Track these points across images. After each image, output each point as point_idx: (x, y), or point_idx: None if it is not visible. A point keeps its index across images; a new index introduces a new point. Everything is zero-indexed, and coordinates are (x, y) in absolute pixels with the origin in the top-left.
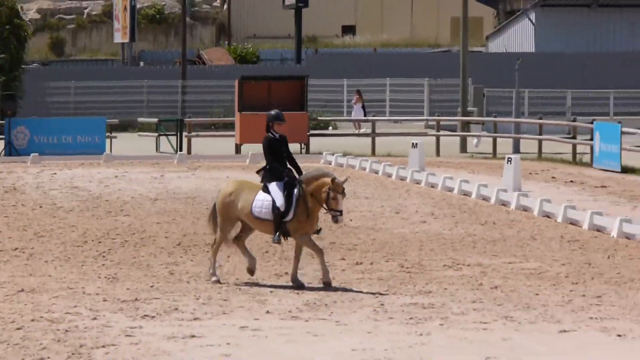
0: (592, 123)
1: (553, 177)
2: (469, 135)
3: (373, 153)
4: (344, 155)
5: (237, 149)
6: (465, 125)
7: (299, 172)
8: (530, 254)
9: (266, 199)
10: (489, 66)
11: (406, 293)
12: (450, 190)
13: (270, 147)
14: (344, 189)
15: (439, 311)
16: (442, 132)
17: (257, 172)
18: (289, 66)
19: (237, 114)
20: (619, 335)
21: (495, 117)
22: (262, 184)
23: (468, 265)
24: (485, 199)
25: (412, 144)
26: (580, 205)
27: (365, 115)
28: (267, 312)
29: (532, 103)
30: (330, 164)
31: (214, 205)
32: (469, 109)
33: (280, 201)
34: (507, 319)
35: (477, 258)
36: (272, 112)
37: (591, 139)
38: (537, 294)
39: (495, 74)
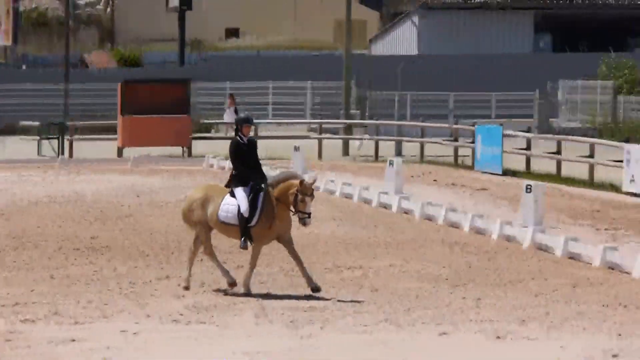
0: (473, 126)
1: (435, 180)
2: (351, 138)
3: None
4: (226, 158)
5: (120, 152)
6: (348, 128)
7: (264, 178)
8: (411, 256)
9: (232, 203)
10: (372, 69)
11: (287, 296)
12: (332, 193)
13: (237, 151)
14: (312, 190)
15: (320, 314)
16: (324, 135)
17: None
18: (172, 69)
19: (119, 117)
20: (498, 337)
21: (377, 119)
22: (228, 188)
23: (349, 268)
24: (367, 201)
25: (295, 147)
26: (462, 207)
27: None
28: (148, 315)
29: (414, 105)
30: (213, 167)
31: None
32: (352, 111)
33: (244, 206)
34: (388, 321)
35: (358, 261)
36: (242, 115)
37: (473, 142)
38: (417, 297)
39: (379, 77)
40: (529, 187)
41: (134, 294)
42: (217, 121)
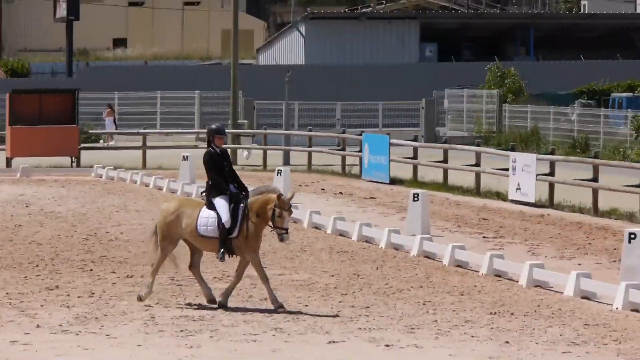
0: (361, 135)
1: (322, 189)
2: (239, 148)
3: (144, 166)
4: (115, 168)
5: (8, 163)
6: (236, 138)
7: (243, 188)
8: (300, 265)
9: (211, 216)
10: (259, 78)
11: (177, 306)
12: None
13: (212, 161)
14: (290, 206)
15: (209, 323)
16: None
17: (202, 192)
18: (60, 79)
19: (7, 127)
20: (387, 345)
21: (265, 129)
22: (205, 201)
23: None
24: None
25: (183, 156)
26: (350, 216)
27: (116, 129)
28: (38, 326)
29: (302, 115)
30: (102, 177)
31: (155, 225)
32: (240, 121)
33: (225, 217)
34: (277, 330)
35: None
36: (213, 126)
37: (360, 151)
38: (307, 305)
39: (266, 86)
40: (415, 195)
41: (24, 305)
42: (105, 131)
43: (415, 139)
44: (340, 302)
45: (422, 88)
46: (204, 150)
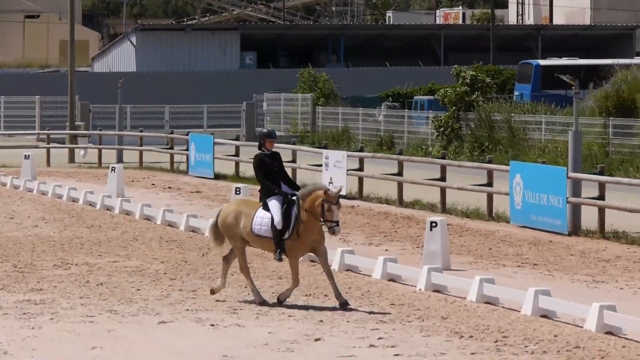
0: (187, 135)
1: (153, 184)
2: (76, 147)
3: None
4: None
5: None
6: (74, 138)
7: (295, 188)
8: (132, 253)
9: (265, 216)
10: (94, 85)
11: (19, 291)
12: (60, 197)
13: (261, 164)
14: (338, 199)
15: (49, 307)
16: (52, 145)
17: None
18: None
19: None
20: (212, 325)
21: (100, 130)
22: (261, 202)
23: (76, 265)
24: (92, 204)
25: (25, 155)
26: (178, 208)
27: None
28: None
29: (133, 117)
30: None
31: (215, 222)
32: (77, 123)
33: (277, 218)
34: (112, 312)
35: (84, 258)
36: (265, 130)
37: (187, 149)
38: (139, 290)
39: (101, 92)
40: (238, 189)
41: None
42: None
43: (237, 138)
44: (169, 286)
45: (243, 92)
46: (44, 150)
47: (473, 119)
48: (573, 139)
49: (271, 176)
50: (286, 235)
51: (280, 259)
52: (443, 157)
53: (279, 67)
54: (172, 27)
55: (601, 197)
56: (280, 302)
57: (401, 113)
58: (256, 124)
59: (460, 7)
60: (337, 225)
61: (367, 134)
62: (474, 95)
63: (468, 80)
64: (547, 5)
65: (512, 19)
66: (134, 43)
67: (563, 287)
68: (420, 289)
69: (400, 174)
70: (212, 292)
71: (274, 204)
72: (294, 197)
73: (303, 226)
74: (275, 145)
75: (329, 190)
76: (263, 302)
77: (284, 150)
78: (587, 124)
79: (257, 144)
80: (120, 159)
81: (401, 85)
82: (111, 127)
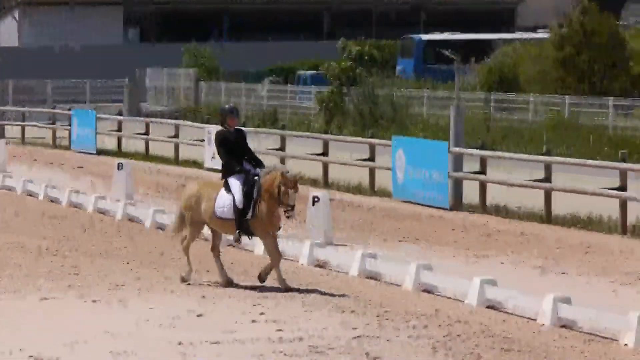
0: (70, 110)
1: (35, 160)
2: None
3: None
4: None
5: None
6: None
7: (261, 166)
8: (14, 229)
9: (228, 198)
10: None
11: None
12: None
13: (224, 141)
14: (295, 183)
15: None
16: None
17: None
18: None
19: None
20: (94, 301)
21: None
22: (223, 182)
23: None
24: None
25: None
26: (61, 184)
27: None
28: None
29: (16, 92)
30: None
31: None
32: None
33: (238, 197)
34: None
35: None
36: (226, 106)
37: (69, 125)
38: (21, 266)
39: None
40: (120, 164)
41: None
42: None
43: (119, 114)
44: (51, 262)
45: (126, 68)
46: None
47: (356, 94)
48: (455, 113)
49: (234, 154)
50: (248, 215)
51: (239, 240)
52: (326, 132)
53: (162, 42)
54: (56, 1)
55: (482, 171)
56: (261, 280)
57: (284, 88)
58: (139, 99)
59: None
60: (292, 209)
61: (250, 109)
62: (359, 70)
63: (353, 55)
64: None
65: None
66: (16, 18)
67: (445, 261)
68: (302, 264)
69: (282, 148)
70: (228, 284)
71: (234, 182)
72: (256, 176)
73: (264, 205)
74: (158, 120)
75: (286, 173)
76: (183, 279)
77: (166, 126)
78: (469, 98)
79: (138, 118)
80: (2, 134)
81: (287, 60)
82: None
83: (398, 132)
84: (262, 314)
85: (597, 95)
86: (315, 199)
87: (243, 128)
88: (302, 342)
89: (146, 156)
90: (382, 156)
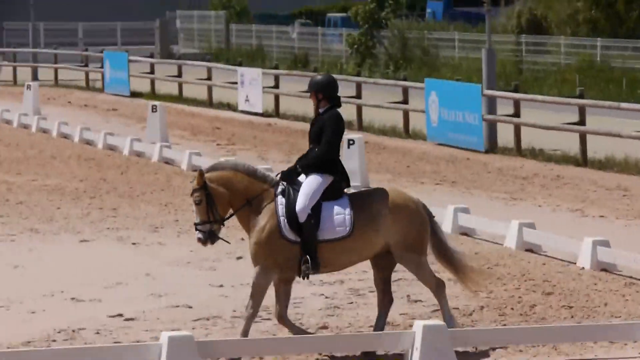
0: (102, 52)
1: (69, 102)
2: None
3: None
4: None
5: None
6: None
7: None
8: (51, 171)
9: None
10: (6, 1)
11: None
12: None
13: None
14: (192, 192)
15: None
16: None
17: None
18: None
19: None
20: (134, 244)
21: (14, 47)
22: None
23: None
24: (9, 122)
25: None
26: (94, 127)
27: None
28: None
29: (47, 35)
30: None
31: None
32: None
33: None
34: (33, 231)
35: (2, 176)
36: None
37: (102, 67)
38: (59, 208)
39: (12, 9)
40: (154, 107)
41: None
42: None
43: (151, 56)
44: (89, 204)
45: (154, 9)
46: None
47: (386, 37)
48: (486, 56)
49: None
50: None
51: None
52: (358, 75)
53: None
54: None
55: (516, 114)
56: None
57: (315, 31)
58: (170, 41)
59: None
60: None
61: (281, 51)
62: (384, 13)
63: None
64: None
65: None
66: None
67: (482, 204)
68: None
69: None
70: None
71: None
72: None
73: None
74: (190, 62)
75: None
76: None
77: (198, 68)
78: (500, 41)
79: (170, 60)
80: (35, 77)
81: (316, 3)
82: (24, 44)
83: (429, 75)
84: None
85: (629, 38)
86: (350, 142)
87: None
88: (343, 285)
89: (179, 98)
90: (415, 99)
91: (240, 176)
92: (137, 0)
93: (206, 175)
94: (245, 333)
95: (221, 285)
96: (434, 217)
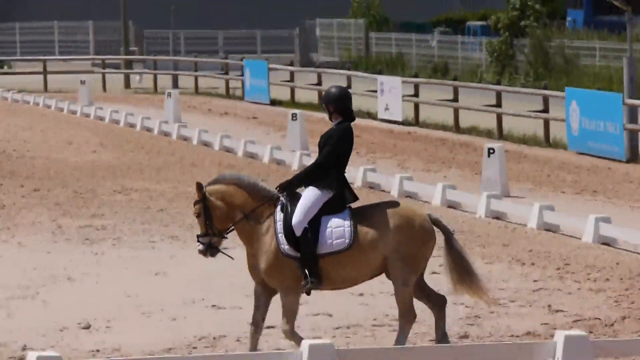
0: (242, 60)
1: (209, 110)
2: (131, 73)
3: (45, 89)
4: (19, 92)
5: None
6: (128, 64)
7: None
8: (191, 179)
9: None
10: (147, 9)
11: (81, 216)
12: (117, 122)
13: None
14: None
15: (111, 232)
16: (107, 70)
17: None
18: None
19: None
20: None
21: (155, 55)
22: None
23: (136, 190)
24: (149, 129)
25: (81, 80)
26: (235, 135)
27: None
28: None
29: (188, 43)
30: (7, 99)
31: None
32: (131, 48)
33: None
34: (173, 238)
35: (144, 184)
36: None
37: (242, 75)
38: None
39: (153, 17)
40: (294, 115)
41: None
42: (8, 58)
43: (291, 64)
44: None
45: (294, 18)
46: (100, 75)
47: (526, 45)
48: (628, 65)
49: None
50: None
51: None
52: (498, 83)
53: None
54: None
55: None
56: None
57: (454, 39)
58: (310, 49)
59: None
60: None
61: (420, 59)
62: (526, 21)
63: (518, 5)
64: None
65: None
66: None
67: (623, 214)
68: (480, 216)
69: (456, 100)
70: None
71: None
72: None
73: None
74: (330, 70)
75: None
76: None
77: (338, 76)
78: None
79: (310, 68)
80: (175, 85)
81: (451, 10)
82: (165, 52)
83: (569, 84)
84: (442, 265)
85: None
86: (491, 151)
87: None
88: None
89: (319, 107)
90: (554, 107)
91: (240, 190)
92: (277, 9)
93: (207, 188)
94: (298, 343)
95: (361, 294)
96: (452, 233)
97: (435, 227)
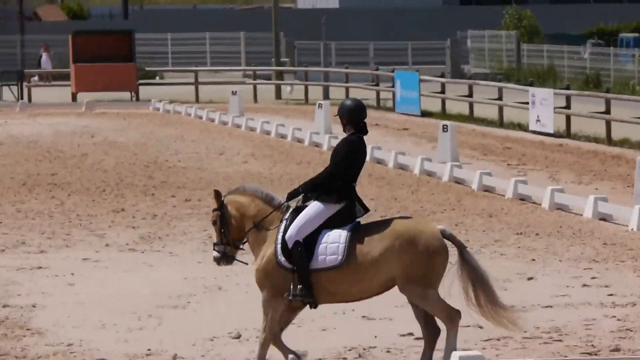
0: (393, 72)
1: None
2: (283, 84)
3: (197, 100)
4: (171, 102)
5: (74, 98)
6: (279, 75)
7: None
8: None
9: None
10: (298, 21)
11: None
12: (268, 133)
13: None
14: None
15: None
16: (258, 81)
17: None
18: (117, 22)
19: (71, 65)
20: None
21: (306, 67)
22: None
23: None
24: (300, 140)
25: (232, 91)
26: (385, 146)
27: (51, 66)
28: (107, 245)
29: (338, 54)
30: (159, 110)
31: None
32: (282, 59)
33: None
34: None
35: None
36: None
37: (393, 86)
38: None
39: (304, 28)
40: (445, 126)
41: (93, 226)
42: (160, 69)
43: (442, 76)
44: None
45: (445, 29)
46: (251, 86)
47: None
48: None
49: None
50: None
51: None
52: None
53: (482, 5)
54: None
55: None
56: None
57: (607, 51)
58: (461, 61)
59: None
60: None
61: (572, 71)
62: None
63: None
64: None
65: None
66: None
67: None
68: (632, 229)
69: (608, 112)
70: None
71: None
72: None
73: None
74: (481, 82)
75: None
76: None
77: (489, 88)
78: None
79: (461, 80)
80: (326, 96)
81: (604, 22)
82: (315, 63)
83: None
84: (593, 278)
85: None
86: None
87: None
88: (635, 308)
89: (470, 118)
90: None
91: (255, 201)
92: (429, 20)
93: (226, 197)
94: (260, 358)
95: (512, 305)
96: (465, 247)
97: (448, 242)
